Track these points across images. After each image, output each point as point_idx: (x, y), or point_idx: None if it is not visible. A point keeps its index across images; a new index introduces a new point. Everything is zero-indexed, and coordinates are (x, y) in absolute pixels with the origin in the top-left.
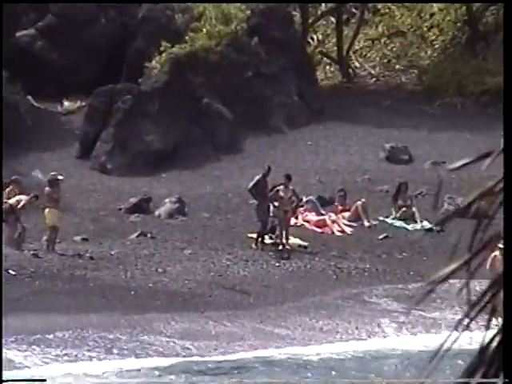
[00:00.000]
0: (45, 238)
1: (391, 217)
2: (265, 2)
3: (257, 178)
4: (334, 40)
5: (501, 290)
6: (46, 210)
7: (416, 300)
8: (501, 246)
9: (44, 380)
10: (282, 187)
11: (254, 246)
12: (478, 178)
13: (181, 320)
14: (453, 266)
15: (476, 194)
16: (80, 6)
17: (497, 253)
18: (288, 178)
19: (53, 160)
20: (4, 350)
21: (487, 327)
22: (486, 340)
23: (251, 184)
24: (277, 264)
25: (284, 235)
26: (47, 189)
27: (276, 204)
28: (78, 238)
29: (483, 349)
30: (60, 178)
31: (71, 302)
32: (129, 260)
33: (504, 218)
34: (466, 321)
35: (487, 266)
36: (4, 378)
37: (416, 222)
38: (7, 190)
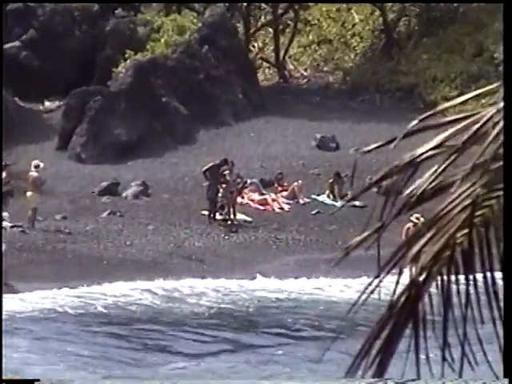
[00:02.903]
0: (28, 217)
1: (322, 195)
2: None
3: (211, 164)
4: (272, 47)
5: (408, 252)
6: (29, 194)
7: (335, 262)
8: (413, 219)
9: (38, 380)
10: (227, 172)
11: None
12: (394, 161)
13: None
14: (366, 234)
15: (385, 171)
16: (57, 21)
17: (409, 225)
18: (231, 163)
19: (36, 151)
20: None
21: (396, 284)
22: (396, 295)
23: (205, 167)
24: (226, 237)
25: (231, 212)
26: (34, 175)
27: (224, 186)
28: (58, 217)
29: (393, 303)
30: (41, 165)
31: (53, 270)
32: (101, 235)
33: (504, 218)
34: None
35: (402, 236)
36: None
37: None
38: (3, 174)
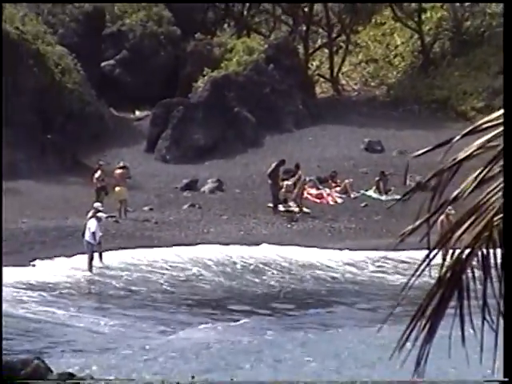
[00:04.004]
0: (118, 208)
1: (369, 191)
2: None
3: (273, 166)
4: (328, 65)
5: (452, 237)
6: (117, 188)
7: (391, 247)
8: (448, 212)
9: (42, 379)
10: (297, 173)
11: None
12: (429, 162)
13: None
14: (417, 223)
15: (431, 174)
16: (146, 43)
17: (443, 217)
18: (297, 166)
19: (128, 153)
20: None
21: (443, 263)
22: (443, 271)
23: (269, 170)
24: (288, 225)
25: (297, 205)
26: (120, 171)
27: (288, 183)
28: (146, 208)
29: (440, 278)
30: (127, 164)
31: None
32: (183, 224)
33: (504, 218)
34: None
35: (437, 227)
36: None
37: (387, 194)
38: (98, 173)
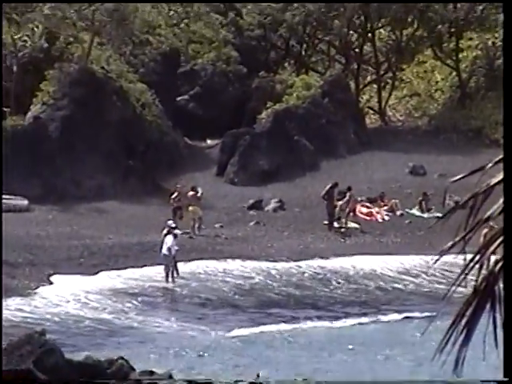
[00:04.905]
0: (191, 226)
1: (413, 209)
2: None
3: (326, 188)
4: (376, 99)
5: (490, 248)
6: (191, 208)
7: (433, 262)
8: (491, 223)
9: (49, 381)
10: (348, 194)
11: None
12: (466, 184)
13: None
14: (455, 240)
15: (468, 196)
16: (216, 80)
17: (486, 229)
18: (349, 188)
19: (200, 177)
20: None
21: (479, 274)
22: (478, 282)
23: (323, 192)
24: (342, 240)
25: (345, 222)
26: (192, 193)
27: (341, 203)
28: (217, 225)
29: (476, 287)
30: (199, 188)
31: None
32: (249, 239)
33: (504, 219)
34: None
35: (481, 239)
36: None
37: (429, 212)
38: (175, 194)
